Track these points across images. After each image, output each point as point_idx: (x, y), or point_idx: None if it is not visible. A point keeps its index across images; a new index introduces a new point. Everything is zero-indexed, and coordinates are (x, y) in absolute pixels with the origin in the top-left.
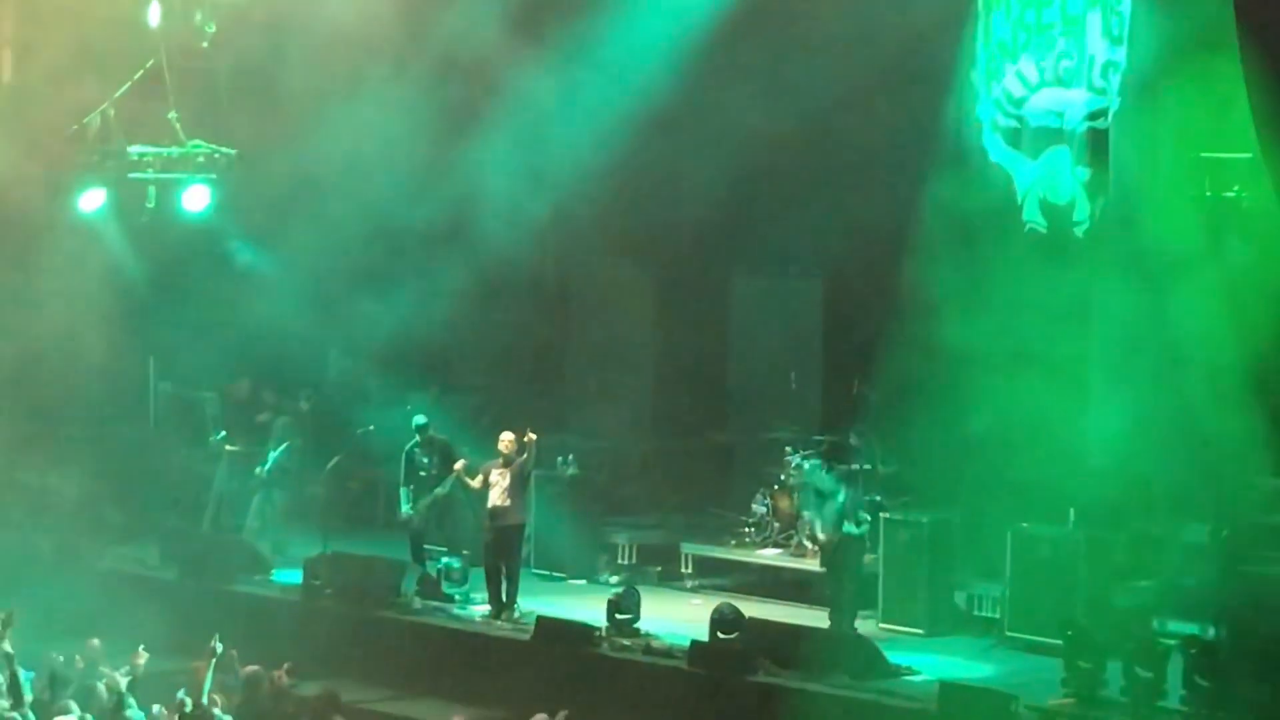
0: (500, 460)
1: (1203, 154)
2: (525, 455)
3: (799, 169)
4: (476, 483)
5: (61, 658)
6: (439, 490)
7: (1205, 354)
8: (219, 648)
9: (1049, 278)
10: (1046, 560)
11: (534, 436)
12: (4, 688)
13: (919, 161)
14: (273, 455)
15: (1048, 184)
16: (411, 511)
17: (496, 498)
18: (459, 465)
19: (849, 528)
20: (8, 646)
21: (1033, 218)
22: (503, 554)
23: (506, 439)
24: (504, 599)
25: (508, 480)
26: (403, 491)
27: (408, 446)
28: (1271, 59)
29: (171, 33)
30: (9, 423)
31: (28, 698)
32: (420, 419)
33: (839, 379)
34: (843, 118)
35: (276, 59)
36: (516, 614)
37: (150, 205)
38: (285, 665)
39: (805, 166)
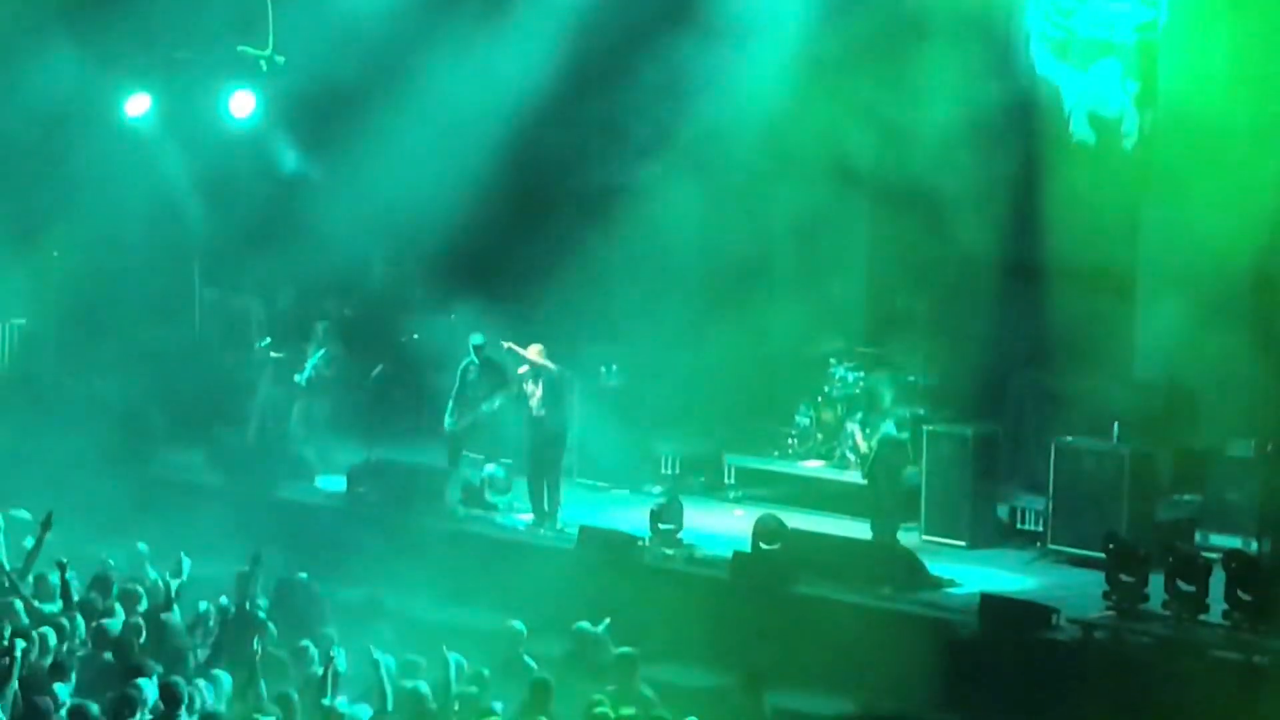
0: (530, 371)
1: (1253, 65)
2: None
3: (847, 77)
4: (530, 353)
5: (112, 561)
6: (485, 408)
7: (1252, 267)
8: (262, 554)
9: (1097, 191)
10: (1090, 473)
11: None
12: (55, 590)
13: (964, 72)
14: (310, 362)
15: (1096, 97)
16: (454, 425)
17: (534, 408)
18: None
19: (891, 433)
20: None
21: (1081, 130)
22: (544, 463)
23: (534, 350)
24: (546, 508)
25: (541, 390)
26: (450, 404)
27: (464, 362)
28: None
29: None
30: (56, 329)
31: (75, 597)
32: (478, 337)
33: (883, 291)
34: (885, 32)
35: None
36: (559, 523)
37: (196, 110)
38: None
39: (851, 78)
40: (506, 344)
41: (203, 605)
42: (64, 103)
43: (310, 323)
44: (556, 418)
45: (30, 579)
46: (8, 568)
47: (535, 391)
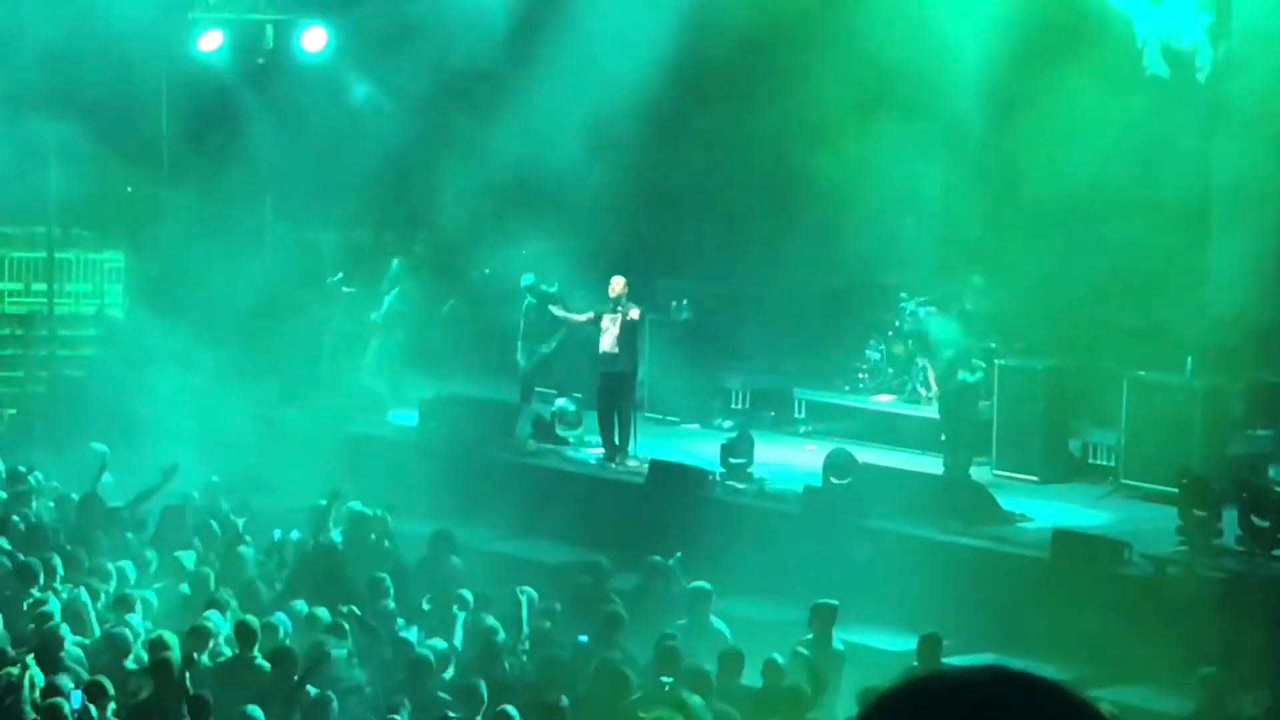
0: (611, 305)
1: None
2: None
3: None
4: (582, 317)
5: (197, 494)
6: (545, 348)
7: None
8: (339, 488)
9: (1170, 123)
10: (1163, 408)
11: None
12: (128, 519)
13: (1036, 9)
14: (387, 300)
15: (1170, 29)
16: (526, 364)
17: (607, 343)
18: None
19: (964, 374)
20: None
21: (1154, 64)
22: (614, 398)
23: (617, 283)
24: (616, 442)
25: (618, 326)
26: (518, 345)
27: (525, 302)
28: None
29: None
30: (131, 264)
31: (150, 530)
32: (528, 278)
33: (955, 225)
34: None
35: None
36: (630, 457)
37: (268, 46)
38: None
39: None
40: (558, 310)
41: (277, 533)
42: (136, 37)
43: (384, 258)
44: (628, 353)
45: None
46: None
47: (610, 327)
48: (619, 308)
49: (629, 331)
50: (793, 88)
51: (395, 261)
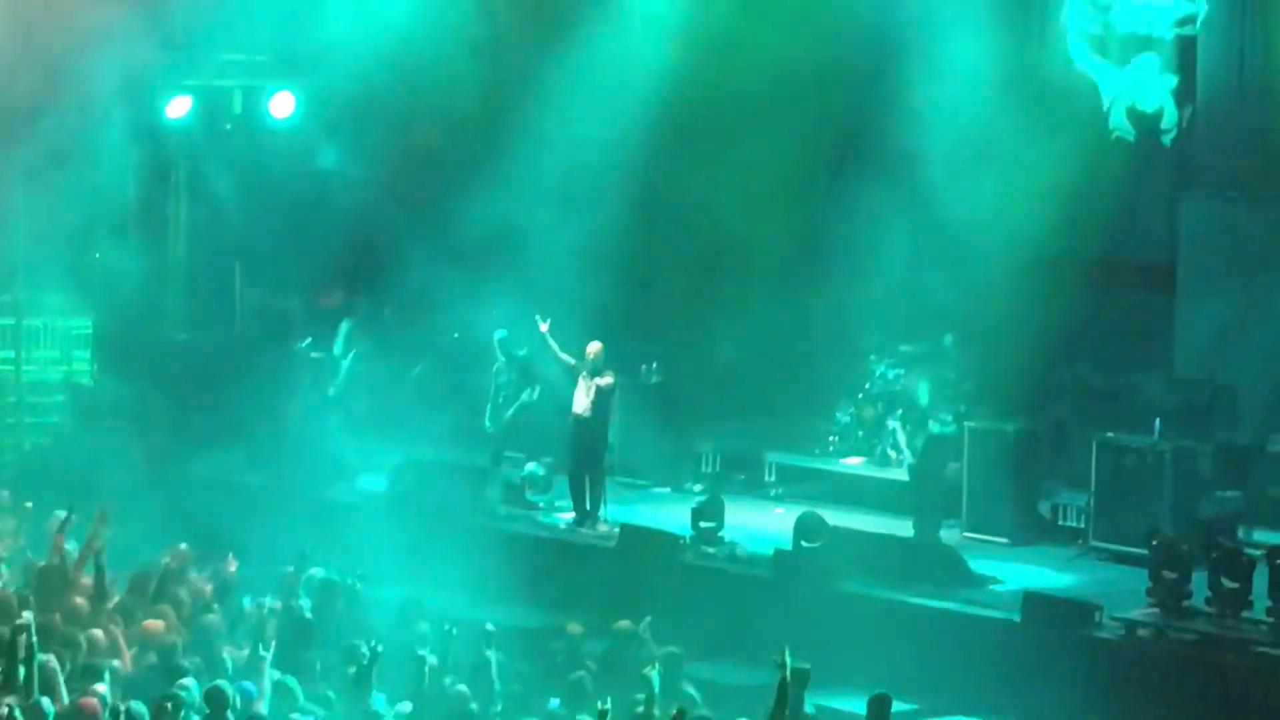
0: (587, 368)
1: None
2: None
3: (872, 83)
4: (564, 356)
5: (167, 559)
6: (516, 407)
7: None
8: (307, 552)
9: (1137, 185)
10: (1132, 469)
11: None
12: (90, 588)
13: (1003, 71)
14: (344, 365)
15: (1135, 91)
16: (493, 426)
17: (580, 407)
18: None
19: (934, 427)
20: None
21: (1120, 125)
22: (585, 462)
23: (593, 348)
24: (588, 507)
25: (591, 390)
26: (489, 406)
27: (495, 363)
28: None
29: None
30: (98, 331)
31: (116, 598)
32: (501, 333)
33: (923, 287)
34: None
35: None
36: (601, 522)
37: (236, 112)
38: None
39: (897, 78)
40: (544, 325)
41: (246, 601)
42: (107, 103)
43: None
44: (600, 417)
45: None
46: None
47: (584, 392)
48: (595, 372)
49: (602, 396)
50: (762, 151)
51: (346, 323)
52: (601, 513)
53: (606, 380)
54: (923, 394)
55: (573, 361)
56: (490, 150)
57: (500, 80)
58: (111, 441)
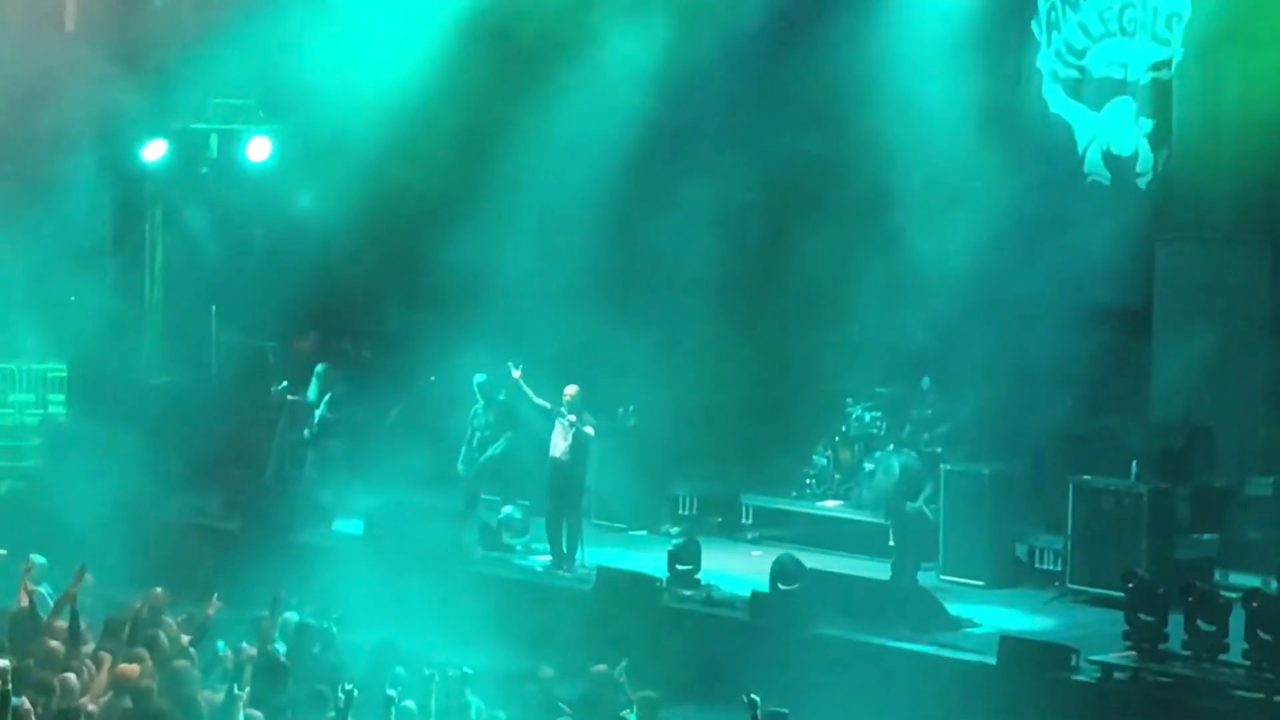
0: (564, 411)
1: (1266, 103)
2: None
3: (863, 120)
4: (540, 400)
5: (141, 603)
6: (494, 450)
7: (1268, 305)
8: (282, 596)
9: (1113, 229)
10: (1108, 512)
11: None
12: (64, 632)
13: (979, 114)
14: (318, 412)
15: (1110, 135)
16: (468, 470)
17: (558, 450)
18: (519, 379)
19: (906, 465)
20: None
21: (1095, 169)
22: (563, 505)
23: (570, 391)
24: (565, 549)
25: (570, 435)
26: (464, 449)
27: (473, 407)
28: None
29: None
30: (75, 374)
31: (91, 644)
32: (480, 377)
33: (899, 329)
34: (902, 72)
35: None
36: (578, 565)
37: (213, 156)
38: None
39: (871, 118)
40: (516, 372)
41: (221, 645)
42: (83, 149)
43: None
44: (578, 461)
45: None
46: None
47: (562, 435)
48: (572, 417)
49: (580, 440)
50: (738, 193)
51: (320, 367)
52: (579, 555)
53: (588, 429)
54: (900, 437)
55: (548, 405)
56: (466, 193)
57: (476, 124)
58: (87, 485)
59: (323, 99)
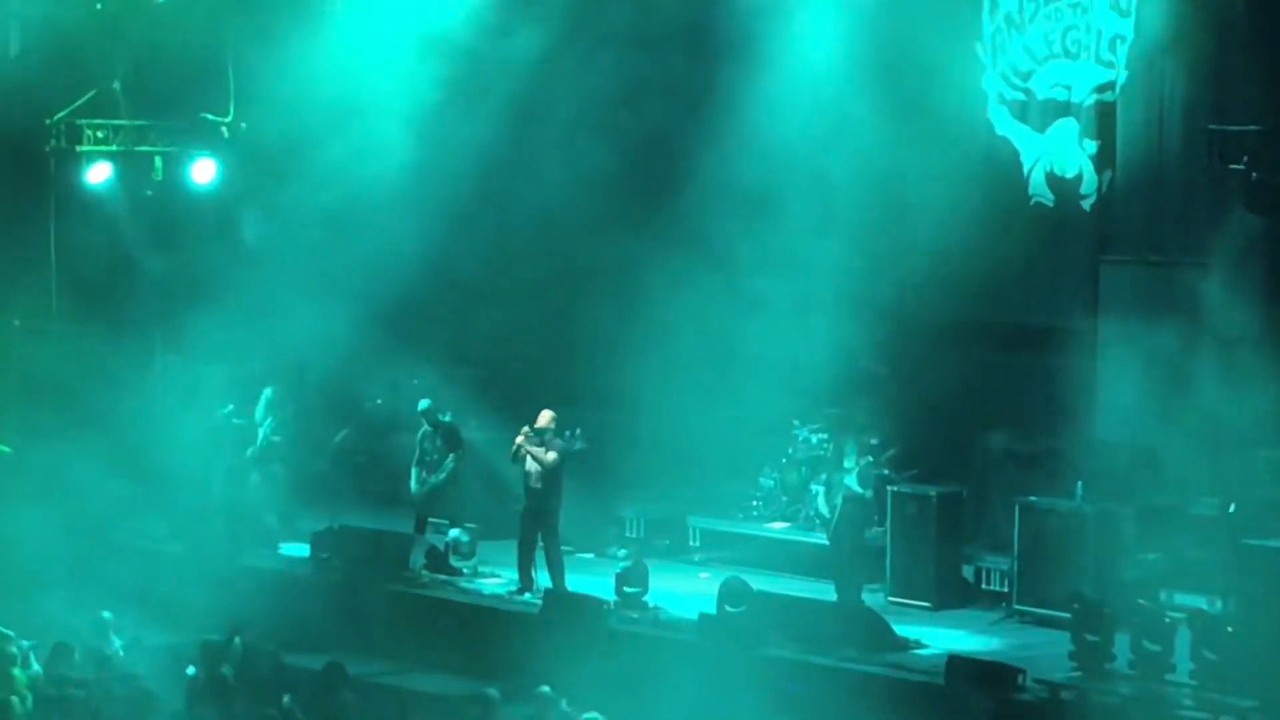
0: (540, 438)
1: (1210, 126)
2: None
3: (804, 141)
4: (549, 457)
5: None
6: (441, 473)
7: (1212, 326)
8: (230, 620)
9: (1056, 251)
10: (1054, 533)
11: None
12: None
13: (924, 136)
14: (262, 431)
15: (1055, 157)
16: (418, 492)
17: (534, 477)
18: (519, 439)
19: (852, 486)
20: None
21: (1039, 191)
22: (540, 532)
23: (544, 417)
24: (533, 574)
25: (542, 464)
26: (414, 471)
27: (420, 430)
28: None
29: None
30: (18, 398)
31: (35, 669)
32: (424, 403)
33: (845, 352)
34: (844, 91)
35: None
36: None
37: (157, 178)
38: None
39: (811, 139)
40: (519, 440)
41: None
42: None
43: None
44: (552, 487)
45: None
46: None
47: (537, 461)
48: (546, 442)
49: (553, 467)
50: (679, 218)
51: (268, 390)
52: (536, 579)
53: (551, 456)
54: (846, 459)
55: (556, 457)
56: (416, 216)
57: (425, 147)
58: (31, 510)
59: (270, 119)
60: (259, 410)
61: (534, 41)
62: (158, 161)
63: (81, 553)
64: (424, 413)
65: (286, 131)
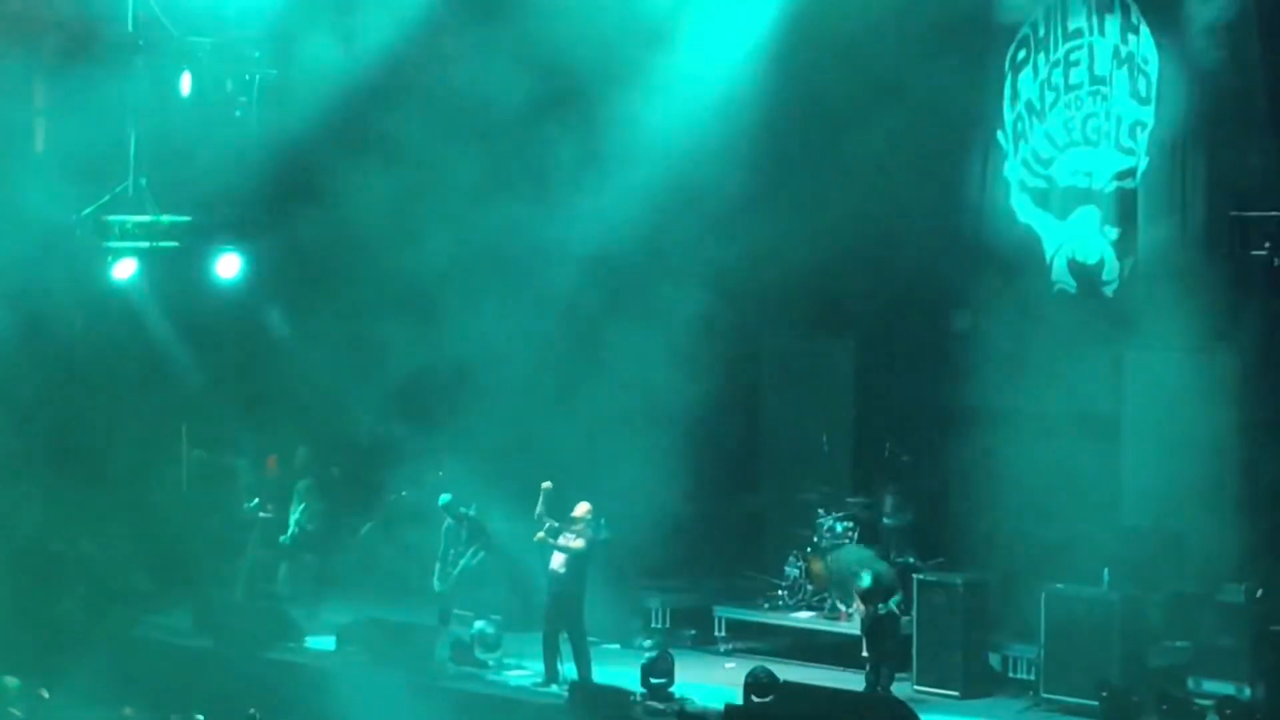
0: (573, 529)
1: (1231, 212)
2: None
3: (829, 232)
4: (576, 544)
5: None
6: (465, 564)
7: (1236, 411)
8: (255, 714)
9: (1079, 337)
10: (1081, 620)
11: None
12: None
13: (948, 223)
14: (293, 519)
15: (1076, 244)
16: (443, 587)
17: (556, 564)
18: (539, 536)
19: (865, 580)
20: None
21: (1062, 278)
22: (564, 622)
23: (581, 508)
24: (559, 666)
25: (569, 551)
26: (437, 566)
27: (445, 524)
28: None
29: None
30: (41, 491)
31: None
32: (445, 497)
33: (870, 440)
34: (873, 181)
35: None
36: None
37: (182, 273)
38: None
39: (835, 230)
40: (541, 536)
41: None
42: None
43: (293, 481)
44: (576, 575)
45: None
46: None
47: (566, 548)
48: (579, 534)
49: (578, 556)
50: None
51: (301, 483)
52: (566, 671)
53: (578, 543)
54: (871, 547)
55: (571, 536)
56: (432, 308)
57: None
58: (56, 602)
59: (289, 215)
60: (293, 501)
61: None
62: (182, 257)
63: (105, 648)
64: (445, 507)
65: (311, 223)
